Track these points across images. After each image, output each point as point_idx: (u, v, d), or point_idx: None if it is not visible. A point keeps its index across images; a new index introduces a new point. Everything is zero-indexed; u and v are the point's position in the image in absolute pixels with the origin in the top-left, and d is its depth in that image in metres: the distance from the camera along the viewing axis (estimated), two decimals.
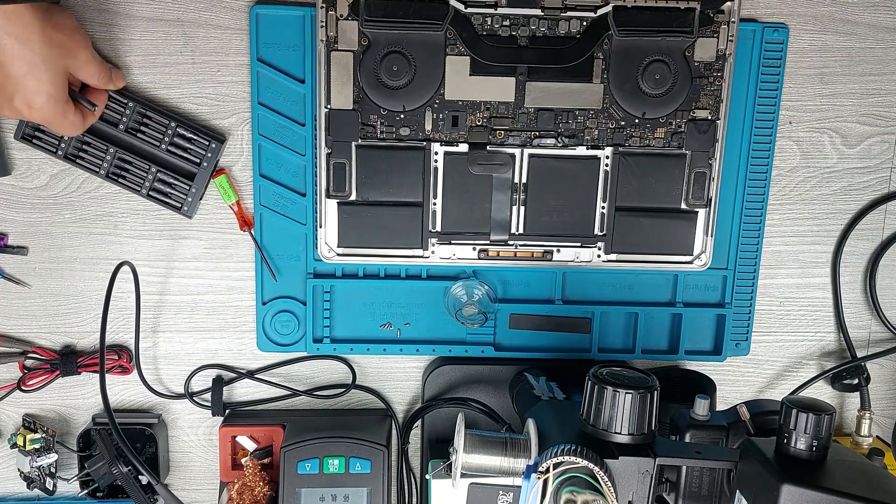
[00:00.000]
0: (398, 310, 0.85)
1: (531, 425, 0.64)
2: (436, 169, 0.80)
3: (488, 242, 0.82)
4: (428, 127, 0.79)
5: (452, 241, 0.82)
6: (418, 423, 0.86)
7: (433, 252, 0.82)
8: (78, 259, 0.83)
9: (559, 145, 0.80)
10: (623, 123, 0.79)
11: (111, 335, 0.85)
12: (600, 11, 0.76)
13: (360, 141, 0.79)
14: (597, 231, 0.82)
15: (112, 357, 0.84)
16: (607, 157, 0.80)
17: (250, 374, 0.87)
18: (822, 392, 0.91)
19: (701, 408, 0.67)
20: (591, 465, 0.58)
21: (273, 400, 0.88)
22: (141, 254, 0.83)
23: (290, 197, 0.82)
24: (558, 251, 0.83)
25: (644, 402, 0.61)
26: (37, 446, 0.83)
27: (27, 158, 0.81)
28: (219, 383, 0.86)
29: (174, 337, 0.86)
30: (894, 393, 0.92)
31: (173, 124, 0.79)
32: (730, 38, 0.78)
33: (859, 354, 0.89)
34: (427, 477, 0.76)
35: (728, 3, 0.77)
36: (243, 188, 0.83)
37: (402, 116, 0.79)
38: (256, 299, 0.84)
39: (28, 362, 0.85)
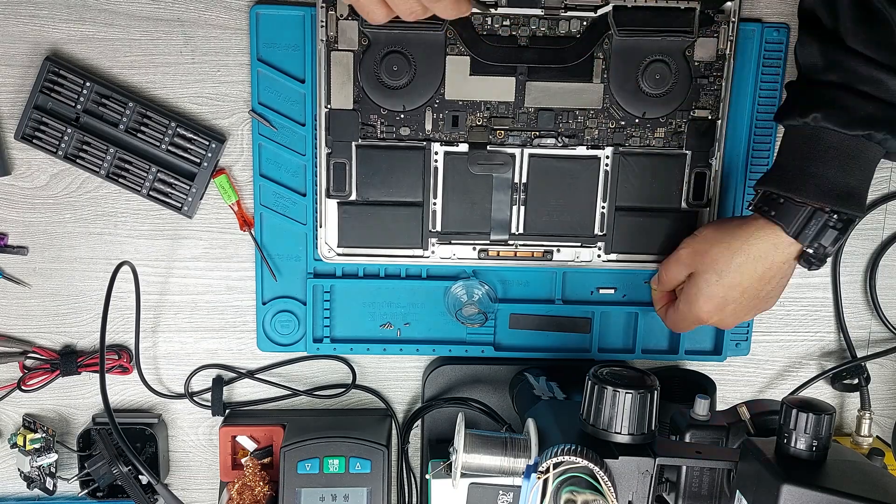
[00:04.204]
0: (398, 310, 0.85)
1: (531, 425, 0.64)
2: (436, 169, 0.80)
3: (488, 242, 0.82)
4: (428, 127, 0.79)
5: (452, 241, 0.82)
6: (418, 423, 0.86)
7: (433, 252, 0.82)
8: (78, 259, 0.83)
9: (559, 145, 0.80)
10: (623, 123, 0.79)
11: (111, 335, 0.85)
12: (600, 11, 0.76)
13: (360, 141, 0.79)
14: (597, 231, 0.82)
15: (112, 357, 0.84)
16: (607, 157, 0.80)
17: (250, 374, 0.87)
18: (822, 392, 0.91)
19: (701, 408, 0.67)
20: (591, 465, 0.58)
21: (273, 400, 0.88)
22: (141, 254, 0.83)
23: (290, 197, 0.82)
24: (558, 251, 0.83)
25: (644, 402, 0.61)
26: (37, 446, 0.83)
27: (27, 158, 0.81)
28: (219, 383, 0.86)
29: (174, 337, 0.86)
30: (894, 393, 0.92)
31: (173, 124, 0.79)
32: (730, 38, 0.78)
33: (859, 354, 0.89)
34: (427, 477, 0.76)
35: (728, 3, 0.77)
36: (243, 188, 0.83)
37: (402, 116, 0.79)
38: (256, 299, 0.84)
39: (28, 362, 0.85)
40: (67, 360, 0.84)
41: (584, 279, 0.85)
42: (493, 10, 0.76)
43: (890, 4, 0.63)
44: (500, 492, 0.65)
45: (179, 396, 0.87)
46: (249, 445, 0.84)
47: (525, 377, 0.82)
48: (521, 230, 0.82)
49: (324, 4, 0.76)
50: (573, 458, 0.58)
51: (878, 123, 0.65)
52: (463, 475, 0.64)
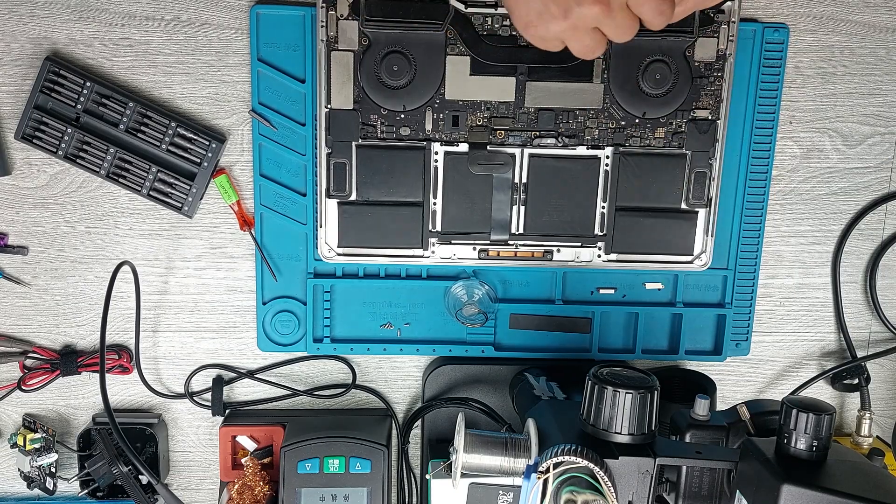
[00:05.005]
0: (398, 310, 0.85)
1: (531, 425, 0.64)
2: (436, 169, 0.80)
3: (488, 242, 0.82)
4: (428, 127, 0.79)
5: (452, 241, 0.82)
6: (418, 423, 0.86)
7: (433, 252, 0.82)
8: (78, 259, 0.83)
9: (559, 145, 0.80)
10: (623, 123, 0.79)
11: (111, 335, 0.85)
12: None
13: (360, 141, 0.79)
14: (597, 231, 0.82)
15: (112, 357, 0.84)
16: (607, 157, 0.80)
17: (250, 374, 0.87)
18: (822, 392, 0.91)
19: (701, 408, 0.67)
20: (591, 465, 0.58)
21: (273, 400, 0.88)
22: (141, 254, 0.83)
23: (291, 197, 0.82)
24: (558, 251, 0.83)
25: (644, 402, 0.61)
26: (37, 446, 0.83)
27: (27, 158, 0.81)
28: (219, 383, 0.86)
29: (174, 337, 0.86)
30: (894, 393, 0.92)
31: (173, 124, 0.79)
32: (730, 38, 0.78)
33: (859, 354, 0.89)
34: (427, 477, 0.76)
35: (728, 3, 0.77)
36: (243, 188, 0.83)
37: (402, 116, 0.79)
38: (256, 299, 0.84)
39: (28, 362, 0.85)
40: (67, 360, 0.84)
41: (584, 279, 0.85)
42: (492, 10, 0.76)
43: None
44: (500, 492, 0.65)
45: (179, 396, 0.87)
46: (249, 445, 0.84)
47: (525, 377, 0.82)
48: (521, 230, 0.82)
49: (324, 4, 0.76)
50: (573, 458, 0.58)
51: None
52: (463, 475, 0.64)
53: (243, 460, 0.83)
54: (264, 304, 0.84)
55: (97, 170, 0.80)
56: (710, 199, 0.81)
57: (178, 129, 0.79)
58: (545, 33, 0.59)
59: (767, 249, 0.86)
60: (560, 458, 0.58)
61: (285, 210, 0.82)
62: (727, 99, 0.79)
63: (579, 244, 0.82)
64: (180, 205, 0.81)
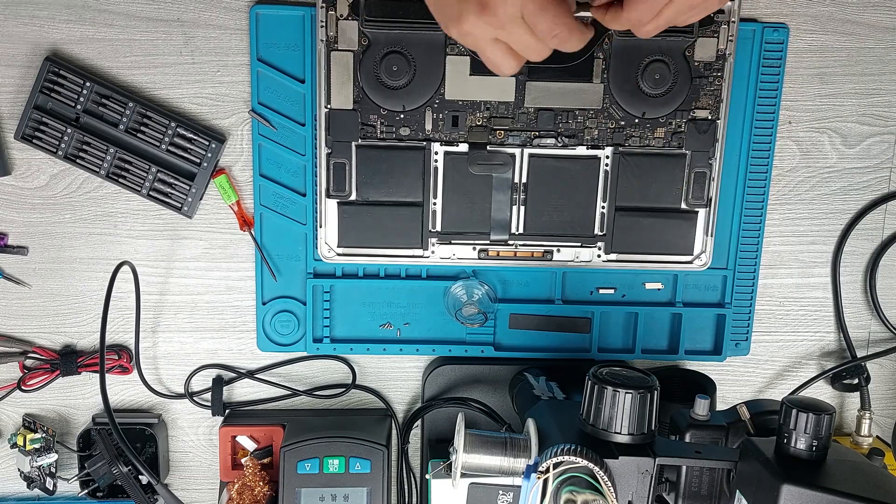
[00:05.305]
0: (398, 310, 0.85)
1: (531, 425, 0.64)
2: (436, 169, 0.80)
3: (488, 242, 0.82)
4: (428, 127, 0.79)
5: (452, 241, 0.82)
6: (418, 423, 0.86)
7: (433, 252, 0.82)
8: (78, 259, 0.83)
9: (559, 145, 0.80)
10: (623, 123, 0.79)
11: (111, 335, 0.85)
12: None
13: (360, 141, 0.79)
14: (597, 231, 0.82)
15: (112, 357, 0.84)
16: (607, 157, 0.80)
17: (250, 374, 0.87)
18: (822, 392, 0.91)
19: (701, 408, 0.67)
20: (591, 465, 0.58)
21: (273, 400, 0.88)
22: (141, 254, 0.83)
23: (290, 197, 0.82)
24: (558, 251, 0.83)
25: (644, 402, 0.61)
26: (37, 446, 0.83)
27: (27, 158, 0.81)
28: (219, 383, 0.86)
29: (174, 337, 0.86)
30: (894, 393, 0.92)
31: (173, 124, 0.79)
32: (730, 37, 0.78)
33: (859, 354, 0.89)
34: (427, 477, 0.76)
35: (728, 3, 0.77)
36: (243, 188, 0.83)
37: (402, 116, 0.79)
38: (256, 299, 0.84)
39: (28, 362, 0.85)
40: (67, 360, 0.84)
41: (584, 279, 0.85)
42: None
43: None
44: (500, 492, 0.65)
45: (179, 396, 0.87)
46: (249, 445, 0.84)
47: (525, 377, 0.82)
48: (521, 230, 0.82)
49: (324, 4, 0.76)
50: (573, 458, 0.58)
51: None
52: (463, 475, 0.64)
53: (243, 460, 0.83)
54: (264, 304, 0.84)
55: (97, 170, 0.80)
56: (710, 199, 0.81)
57: (177, 130, 0.79)
58: (451, 35, 0.57)
59: (767, 249, 0.86)
60: (560, 458, 0.58)
61: (285, 210, 0.82)
62: (727, 99, 0.79)
63: (579, 244, 0.82)
64: (180, 205, 0.81)
